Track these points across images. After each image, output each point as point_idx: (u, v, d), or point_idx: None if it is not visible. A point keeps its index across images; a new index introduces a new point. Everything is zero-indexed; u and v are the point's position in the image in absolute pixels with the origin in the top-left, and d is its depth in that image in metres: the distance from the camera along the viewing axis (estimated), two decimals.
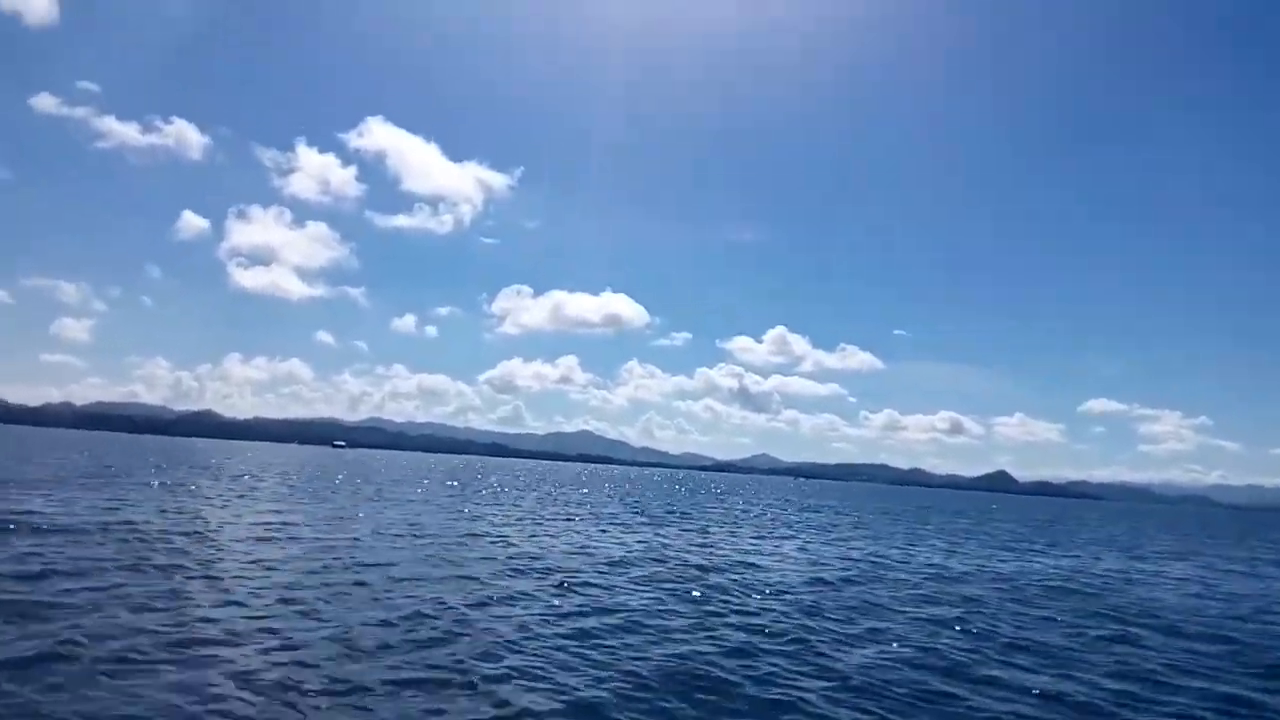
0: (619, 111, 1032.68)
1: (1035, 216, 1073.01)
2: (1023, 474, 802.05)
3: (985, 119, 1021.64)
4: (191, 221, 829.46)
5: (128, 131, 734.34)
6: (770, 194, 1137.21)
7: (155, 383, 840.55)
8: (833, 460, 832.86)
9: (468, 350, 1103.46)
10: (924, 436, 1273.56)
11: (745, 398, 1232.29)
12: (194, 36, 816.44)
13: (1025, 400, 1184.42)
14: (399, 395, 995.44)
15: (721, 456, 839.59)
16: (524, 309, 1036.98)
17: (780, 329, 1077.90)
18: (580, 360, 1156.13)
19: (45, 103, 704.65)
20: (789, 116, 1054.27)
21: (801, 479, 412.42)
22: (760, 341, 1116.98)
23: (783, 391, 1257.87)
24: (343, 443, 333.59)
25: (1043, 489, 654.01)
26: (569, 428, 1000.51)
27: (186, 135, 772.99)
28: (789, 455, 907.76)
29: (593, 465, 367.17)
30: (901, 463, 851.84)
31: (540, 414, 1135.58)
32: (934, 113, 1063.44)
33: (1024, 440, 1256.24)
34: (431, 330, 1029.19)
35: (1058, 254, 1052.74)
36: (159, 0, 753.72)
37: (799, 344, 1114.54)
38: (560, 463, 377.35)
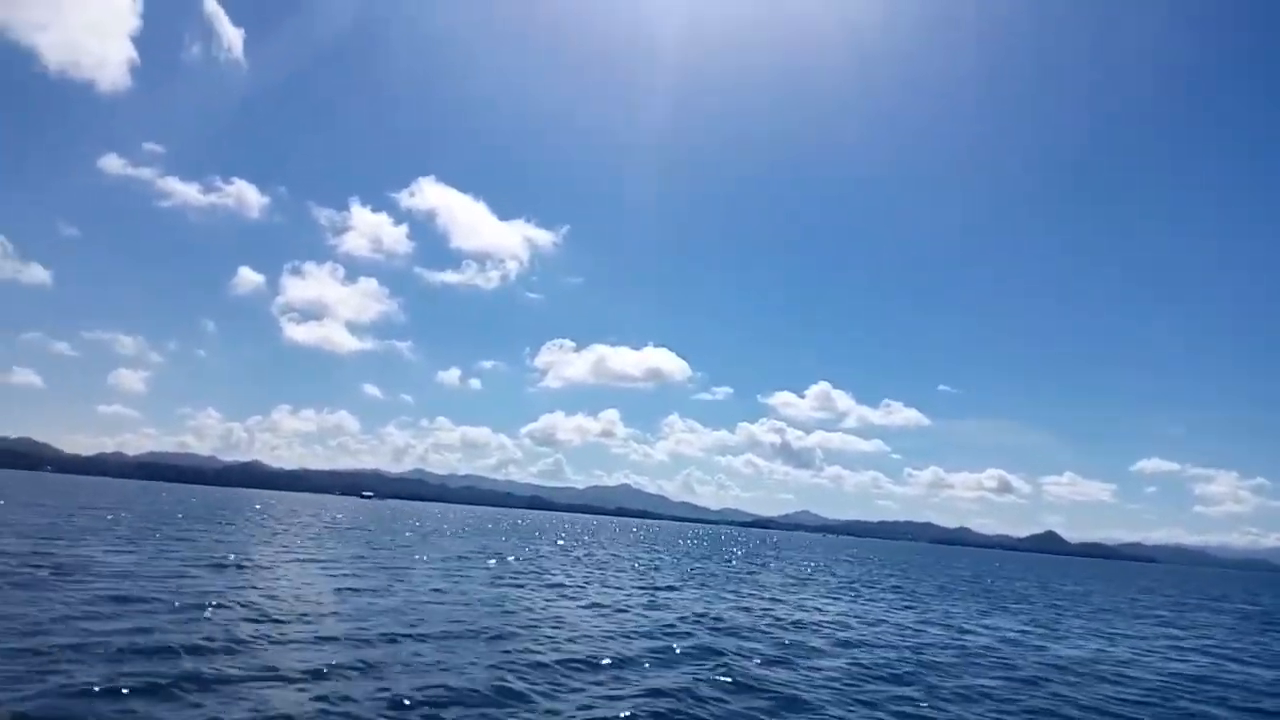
0: (661, 169, 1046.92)
1: (1083, 272, 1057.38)
2: (1073, 535, 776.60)
3: (1032, 170, 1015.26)
4: (247, 277, 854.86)
5: (189, 191, 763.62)
6: (812, 249, 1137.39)
7: (206, 433, 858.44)
8: (876, 518, 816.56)
9: (510, 403, 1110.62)
10: (971, 495, 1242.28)
11: (788, 453, 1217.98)
12: (256, 102, 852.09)
13: (1076, 459, 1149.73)
14: (442, 447, 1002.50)
15: (762, 513, 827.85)
16: (566, 363, 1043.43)
17: (823, 384, 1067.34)
18: (621, 414, 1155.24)
19: (112, 164, 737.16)
20: (831, 172, 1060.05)
21: (847, 536, 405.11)
22: (803, 396, 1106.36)
23: (825, 447, 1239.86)
24: (370, 493, 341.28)
25: (1094, 550, 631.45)
26: (609, 481, 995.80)
27: (246, 195, 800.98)
28: (832, 512, 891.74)
29: (633, 520, 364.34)
30: (948, 521, 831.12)
31: (580, 467, 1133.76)
32: (978, 164, 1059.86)
33: (1074, 500, 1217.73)
34: (475, 383, 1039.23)
35: (1107, 312, 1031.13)
36: (224, 68, 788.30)
37: (842, 400, 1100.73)
38: (601, 517, 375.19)
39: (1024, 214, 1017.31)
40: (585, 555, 47.14)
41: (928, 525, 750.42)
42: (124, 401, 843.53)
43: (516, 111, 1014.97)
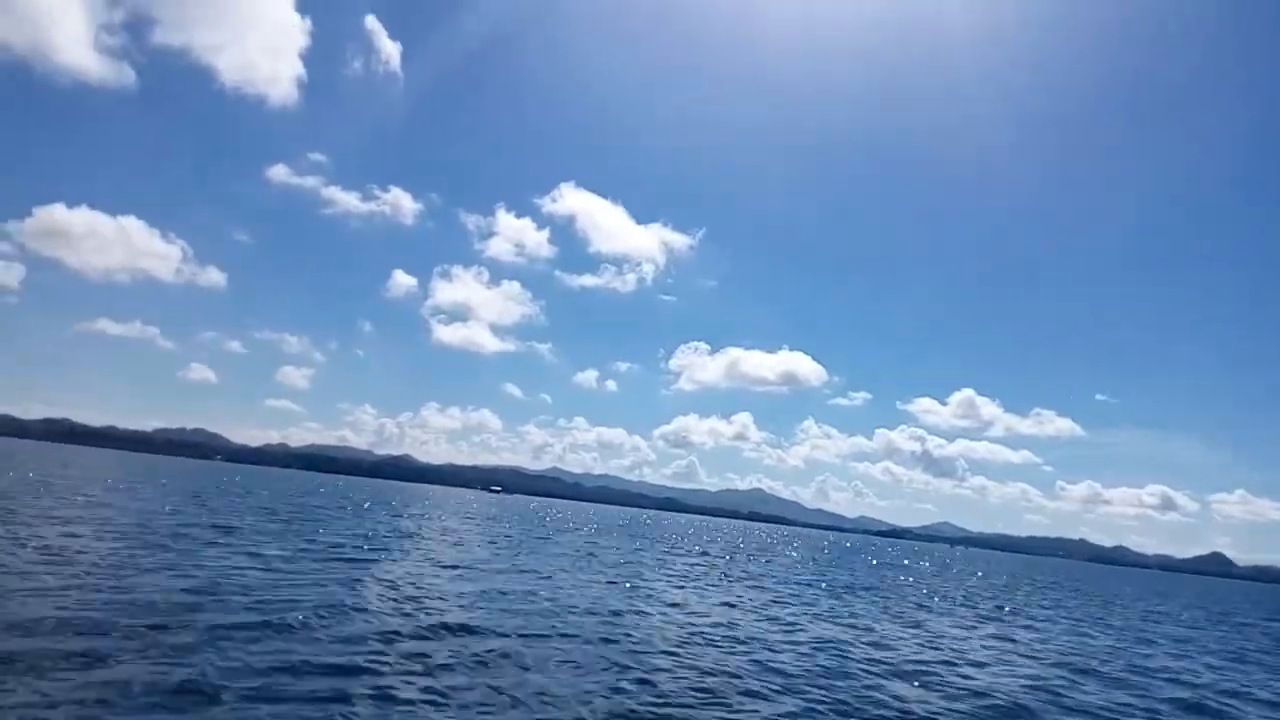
0: (798, 171, 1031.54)
1: (1254, 264, 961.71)
2: (1242, 557, 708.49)
3: (1195, 156, 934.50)
4: (401, 280, 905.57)
5: (350, 200, 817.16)
6: (955, 250, 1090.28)
7: (362, 428, 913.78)
8: (1024, 533, 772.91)
9: (645, 405, 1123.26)
10: (1129, 511, 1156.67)
11: (928, 462, 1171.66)
12: (411, 113, 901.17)
13: (1248, 475, 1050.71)
14: (578, 447, 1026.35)
15: (900, 523, 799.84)
16: (701, 366, 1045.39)
17: (968, 391, 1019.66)
18: (755, 418, 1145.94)
19: (279, 173, 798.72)
20: (980, 172, 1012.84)
21: (993, 551, 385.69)
22: (945, 404, 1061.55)
23: (969, 457, 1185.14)
24: (499, 488, 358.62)
25: (1265, 574, 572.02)
26: (741, 485, 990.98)
27: (401, 202, 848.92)
28: (975, 525, 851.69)
29: (766, 525, 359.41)
30: (1103, 539, 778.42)
31: (713, 470, 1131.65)
32: (1134, 152, 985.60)
33: (1246, 520, 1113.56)
34: (611, 385, 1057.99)
35: None
36: (382, 81, 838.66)
37: (988, 408, 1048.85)
38: (734, 520, 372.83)
39: (1187, 214, 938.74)
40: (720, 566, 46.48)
41: (1081, 543, 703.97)
42: (289, 397, 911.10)
43: (653, 115, 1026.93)
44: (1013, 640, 22.62)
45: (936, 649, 18.88)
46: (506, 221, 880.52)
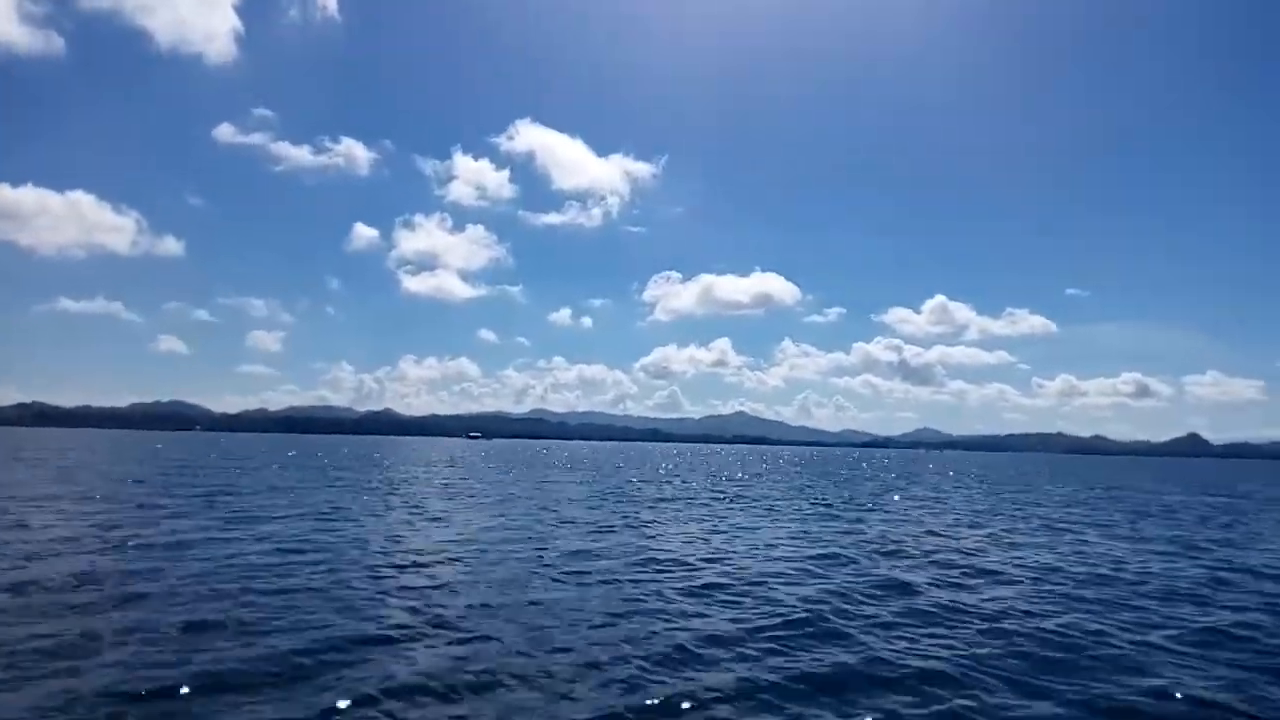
0: (755, 89, 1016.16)
1: (1220, 140, 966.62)
2: (1217, 436, 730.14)
3: (1158, 48, 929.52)
4: (363, 233, 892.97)
5: (301, 154, 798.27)
6: (916, 156, 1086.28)
7: (340, 386, 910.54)
8: (1004, 431, 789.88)
9: (622, 339, 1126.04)
10: (1106, 401, 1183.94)
11: (906, 371, 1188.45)
12: (354, 58, 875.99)
13: (1220, 356, 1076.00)
14: (560, 386, 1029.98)
15: (882, 432, 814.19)
16: (674, 295, 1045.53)
17: (939, 298, 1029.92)
18: (733, 342, 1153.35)
19: (225, 132, 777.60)
20: (937, 71, 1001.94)
21: (973, 452, 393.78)
22: (919, 312, 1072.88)
23: (946, 363, 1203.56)
24: (478, 434, 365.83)
25: (1240, 450, 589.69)
26: (725, 410, 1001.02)
27: (354, 152, 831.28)
28: (957, 429, 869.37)
29: (750, 447, 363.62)
30: (1081, 430, 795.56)
31: (696, 398, 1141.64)
32: (1106, 54, 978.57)
33: (1219, 400, 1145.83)
34: (587, 322, 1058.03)
35: (1250, 185, 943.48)
36: (320, 27, 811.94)
37: (961, 312, 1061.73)
38: (720, 445, 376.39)
39: (1149, 102, 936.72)
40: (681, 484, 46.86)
41: (1059, 436, 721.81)
42: (263, 361, 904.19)
43: (606, 44, 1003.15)
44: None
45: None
46: (465, 164, 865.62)
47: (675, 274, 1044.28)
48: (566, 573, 14.20)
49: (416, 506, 26.06)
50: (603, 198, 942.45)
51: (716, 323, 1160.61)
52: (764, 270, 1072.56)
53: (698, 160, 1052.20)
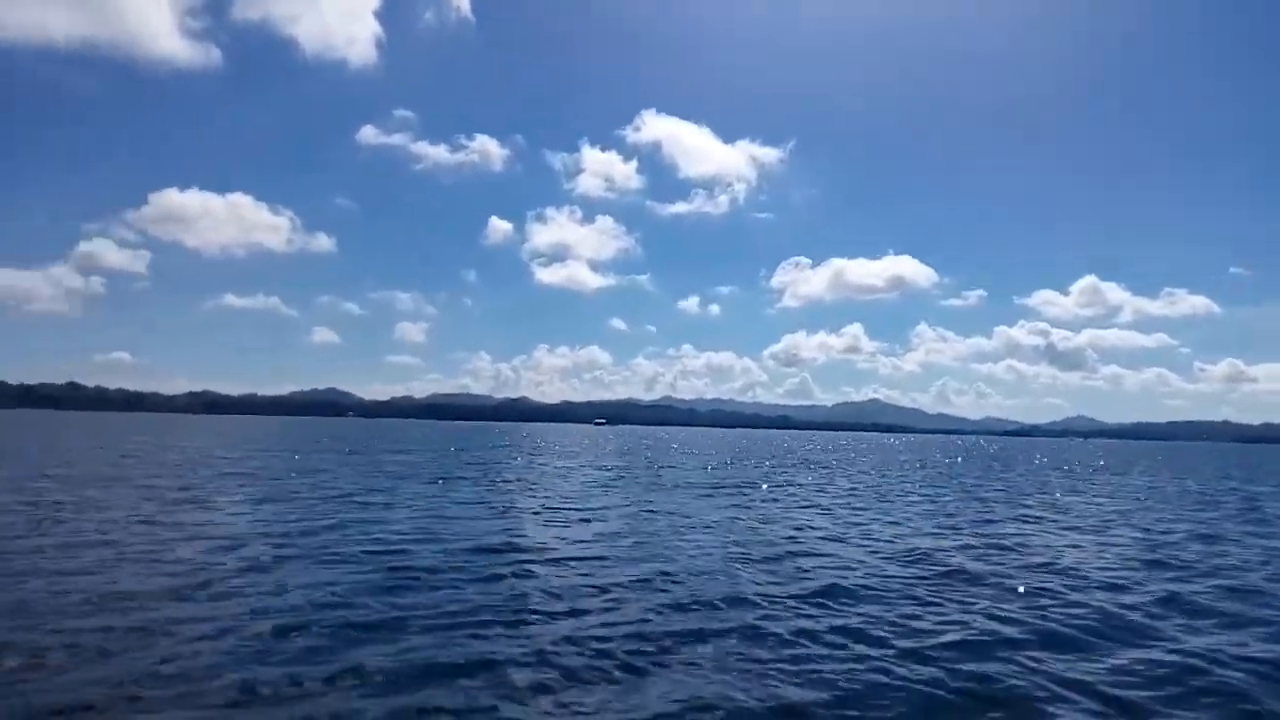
0: (884, 69, 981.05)
1: None
2: None
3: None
4: (497, 227, 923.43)
5: (438, 153, 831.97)
6: (1060, 132, 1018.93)
7: (480, 375, 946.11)
8: (1164, 418, 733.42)
9: (750, 326, 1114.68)
10: (1278, 388, 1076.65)
11: (1053, 355, 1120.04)
12: (485, 59, 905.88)
13: None
14: (688, 374, 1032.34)
15: (1029, 420, 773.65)
16: (804, 281, 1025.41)
17: (1090, 278, 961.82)
18: (866, 328, 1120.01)
19: (369, 134, 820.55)
20: (1072, 46, 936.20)
21: (1131, 440, 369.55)
22: (1066, 294, 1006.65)
23: (1098, 346, 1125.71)
24: (603, 420, 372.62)
25: None
26: (857, 397, 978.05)
27: (488, 149, 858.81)
28: (1111, 415, 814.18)
29: (889, 436, 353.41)
30: (1250, 418, 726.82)
31: (827, 385, 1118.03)
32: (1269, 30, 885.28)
33: None
34: (715, 309, 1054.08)
35: None
36: (455, 28, 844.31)
37: (1113, 293, 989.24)
38: (852, 434, 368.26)
39: None
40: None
41: (1225, 424, 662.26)
42: (409, 351, 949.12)
43: (730, 29, 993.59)
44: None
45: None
46: (593, 157, 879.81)
47: (804, 259, 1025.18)
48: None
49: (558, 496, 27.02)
50: (729, 185, 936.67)
51: (848, 308, 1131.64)
52: (897, 253, 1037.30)
53: (826, 143, 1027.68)
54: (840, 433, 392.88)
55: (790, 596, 11.22)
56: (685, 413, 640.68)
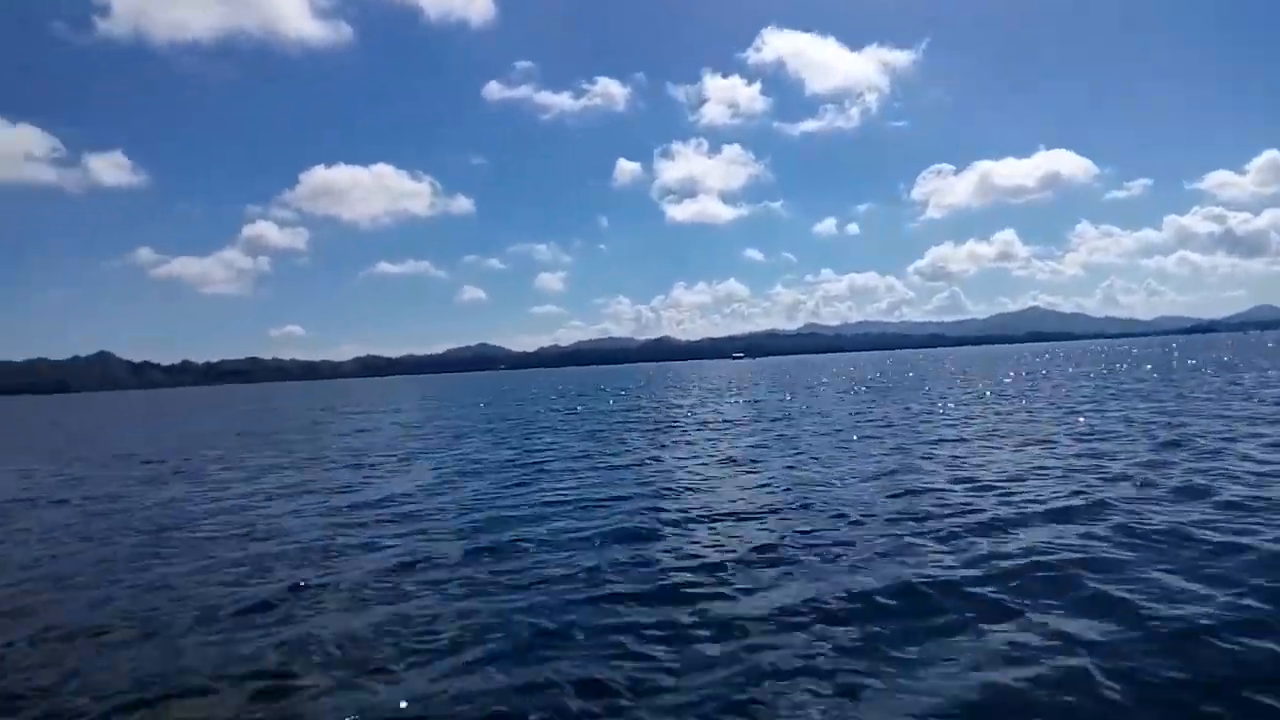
0: None
1: None
2: None
3: None
4: (625, 168, 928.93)
5: (562, 100, 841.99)
6: None
7: (620, 318, 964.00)
8: None
9: (893, 243, 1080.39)
10: None
11: (1231, 242, 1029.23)
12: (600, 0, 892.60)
13: None
14: (830, 298, 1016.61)
15: (1207, 315, 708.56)
16: (947, 189, 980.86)
17: (1269, 153, 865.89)
18: (1019, 232, 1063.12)
19: (494, 90, 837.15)
20: None
21: None
22: (1243, 172, 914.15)
23: None
24: (741, 354, 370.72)
25: None
26: (1014, 307, 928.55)
27: (610, 90, 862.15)
28: None
29: (1039, 345, 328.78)
30: None
31: (980, 298, 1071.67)
32: None
33: None
34: (853, 229, 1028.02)
35: None
36: None
37: None
38: (1010, 346, 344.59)
39: None
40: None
41: None
42: (551, 301, 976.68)
43: None
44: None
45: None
46: (715, 85, 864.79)
47: (946, 166, 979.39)
48: None
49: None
50: (860, 96, 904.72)
51: (997, 213, 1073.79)
52: (1049, 148, 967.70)
53: (963, 38, 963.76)
54: (998, 346, 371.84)
55: None
56: (830, 338, 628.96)
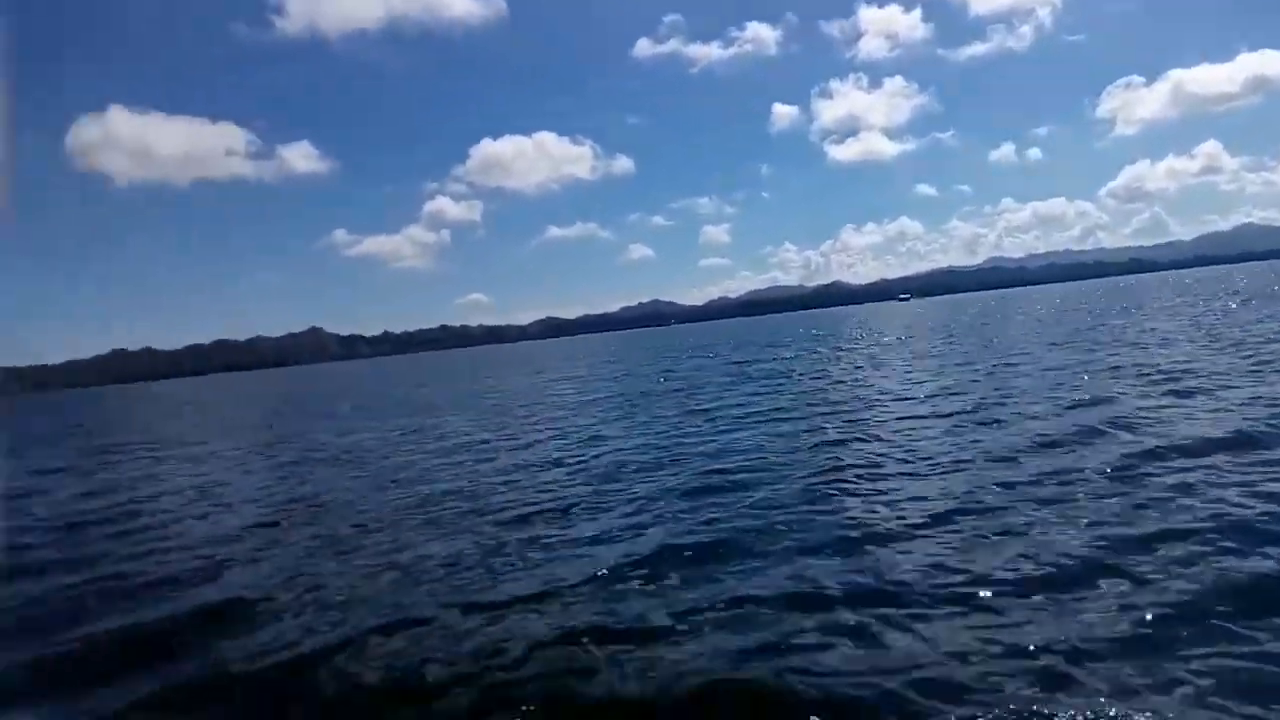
0: None
1: None
2: None
3: None
4: (782, 113, 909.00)
5: (711, 50, 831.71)
6: None
7: (788, 266, 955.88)
8: None
9: (1080, 165, 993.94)
10: None
11: None
12: None
13: None
14: (1014, 229, 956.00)
15: None
16: (1138, 102, 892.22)
17: None
18: (1224, 144, 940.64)
19: (644, 47, 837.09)
20: None
21: None
22: None
23: None
24: (907, 295, 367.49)
25: None
26: (1224, 225, 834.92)
27: (760, 34, 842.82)
28: None
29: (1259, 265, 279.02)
30: None
31: (1185, 218, 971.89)
32: None
33: None
34: (1034, 153, 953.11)
35: None
36: None
37: None
38: (1221, 268, 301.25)
39: None
40: None
41: None
42: (717, 253, 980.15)
43: None
44: None
45: None
46: (870, 16, 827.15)
47: (1135, 78, 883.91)
48: None
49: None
50: (1031, 11, 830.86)
51: (1198, 124, 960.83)
52: (1252, 49, 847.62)
53: None
54: (1209, 268, 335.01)
55: None
56: (1015, 271, 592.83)
